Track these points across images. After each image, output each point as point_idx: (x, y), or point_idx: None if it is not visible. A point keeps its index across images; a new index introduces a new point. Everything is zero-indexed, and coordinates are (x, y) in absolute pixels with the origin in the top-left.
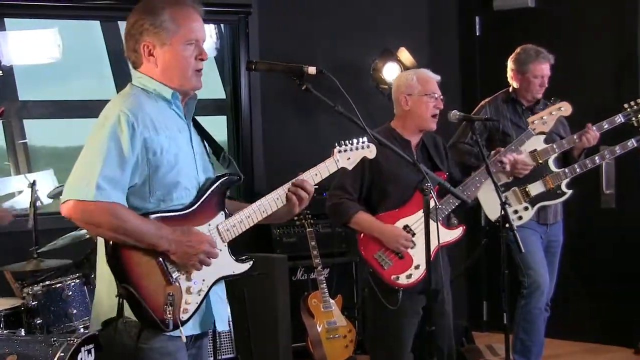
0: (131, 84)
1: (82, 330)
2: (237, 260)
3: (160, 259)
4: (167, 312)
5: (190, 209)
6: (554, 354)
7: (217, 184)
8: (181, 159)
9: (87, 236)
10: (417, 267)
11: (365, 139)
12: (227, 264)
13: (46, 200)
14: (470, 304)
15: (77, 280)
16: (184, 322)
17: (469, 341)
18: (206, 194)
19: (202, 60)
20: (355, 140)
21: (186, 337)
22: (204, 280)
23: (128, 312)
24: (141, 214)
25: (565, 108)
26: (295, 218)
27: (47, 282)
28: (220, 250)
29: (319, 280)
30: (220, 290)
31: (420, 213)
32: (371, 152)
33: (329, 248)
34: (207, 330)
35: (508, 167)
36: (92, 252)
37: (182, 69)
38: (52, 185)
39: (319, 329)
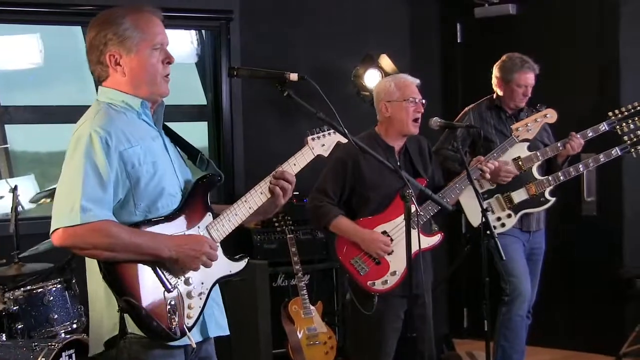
0: (97, 100)
1: (63, 335)
2: (231, 259)
3: (156, 267)
4: (172, 320)
5: (178, 214)
6: None
7: (200, 185)
8: (160, 167)
9: None
10: (393, 274)
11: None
12: (223, 264)
13: (28, 205)
14: (451, 311)
15: (59, 285)
16: (190, 328)
17: (450, 348)
18: (190, 197)
19: (169, 63)
20: (325, 127)
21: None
22: (202, 282)
23: (131, 327)
24: (129, 225)
25: (550, 115)
26: (276, 224)
27: (29, 287)
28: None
29: (300, 287)
30: (216, 295)
31: (399, 220)
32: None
33: (309, 254)
34: (209, 337)
35: (488, 175)
36: (74, 258)
37: (150, 75)
38: (34, 190)
39: (300, 335)
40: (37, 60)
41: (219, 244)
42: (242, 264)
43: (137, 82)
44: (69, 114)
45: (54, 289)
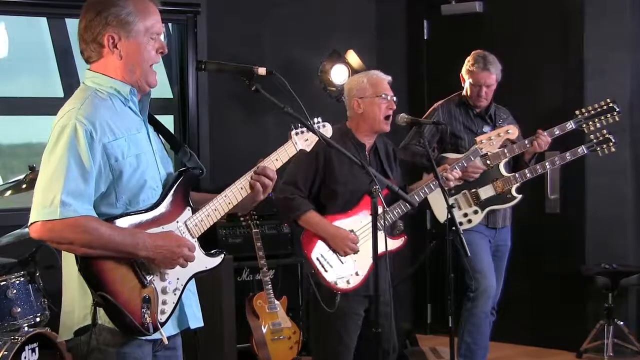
0: (85, 85)
1: (26, 328)
2: (208, 254)
3: (133, 262)
4: (146, 316)
5: (157, 208)
6: (497, 357)
7: (181, 179)
8: (143, 159)
9: None
10: (357, 274)
11: (319, 118)
12: (199, 260)
13: None
14: (414, 306)
15: (22, 279)
16: (162, 324)
17: (413, 343)
18: (171, 191)
19: (162, 53)
20: (309, 122)
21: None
22: (178, 278)
23: (102, 319)
24: (108, 218)
25: (512, 131)
26: (241, 218)
27: None
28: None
29: (264, 282)
30: (192, 287)
31: (366, 219)
32: (327, 130)
33: (274, 249)
34: (181, 330)
35: (452, 184)
36: (37, 251)
37: (144, 61)
38: None
39: (264, 330)
40: (2, 51)
41: (196, 240)
42: (218, 260)
43: (131, 66)
44: (33, 106)
45: (17, 282)
